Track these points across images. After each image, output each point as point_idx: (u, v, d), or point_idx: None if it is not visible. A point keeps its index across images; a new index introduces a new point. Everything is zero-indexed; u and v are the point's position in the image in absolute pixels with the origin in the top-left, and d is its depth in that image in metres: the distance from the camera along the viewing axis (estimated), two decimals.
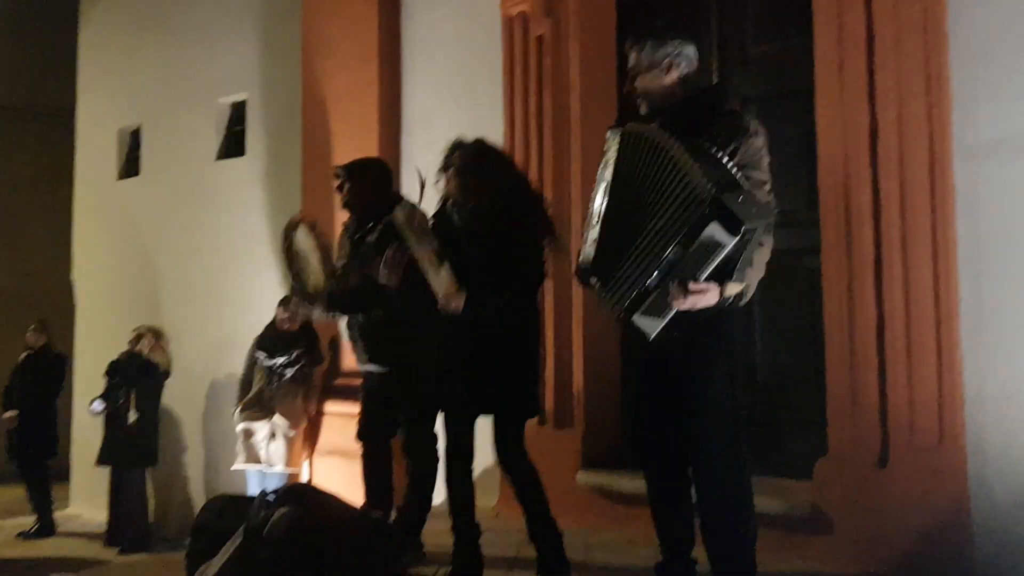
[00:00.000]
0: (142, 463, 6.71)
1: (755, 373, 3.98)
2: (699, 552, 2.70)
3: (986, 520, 3.12)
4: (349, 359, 5.57)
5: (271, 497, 3.05)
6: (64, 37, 8.90)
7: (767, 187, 2.49)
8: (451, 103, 5.25)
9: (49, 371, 7.43)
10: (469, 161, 3.26)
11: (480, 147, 3.34)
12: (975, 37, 3.23)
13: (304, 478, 5.67)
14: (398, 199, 4.04)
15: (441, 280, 3.05)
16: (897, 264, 3.35)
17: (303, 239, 3.98)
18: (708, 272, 2.27)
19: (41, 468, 7.33)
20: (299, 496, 3.00)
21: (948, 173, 3.24)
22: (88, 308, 8.42)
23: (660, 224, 2.33)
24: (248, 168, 6.94)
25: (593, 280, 2.59)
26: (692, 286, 2.27)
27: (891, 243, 3.37)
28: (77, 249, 8.60)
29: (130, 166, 8.19)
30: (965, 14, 3.27)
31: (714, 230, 2.20)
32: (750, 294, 2.48)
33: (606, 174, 2.53)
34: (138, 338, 6.73)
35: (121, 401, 6.60)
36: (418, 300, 3.88)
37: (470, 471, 3.32)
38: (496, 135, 4.79)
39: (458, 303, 3.03)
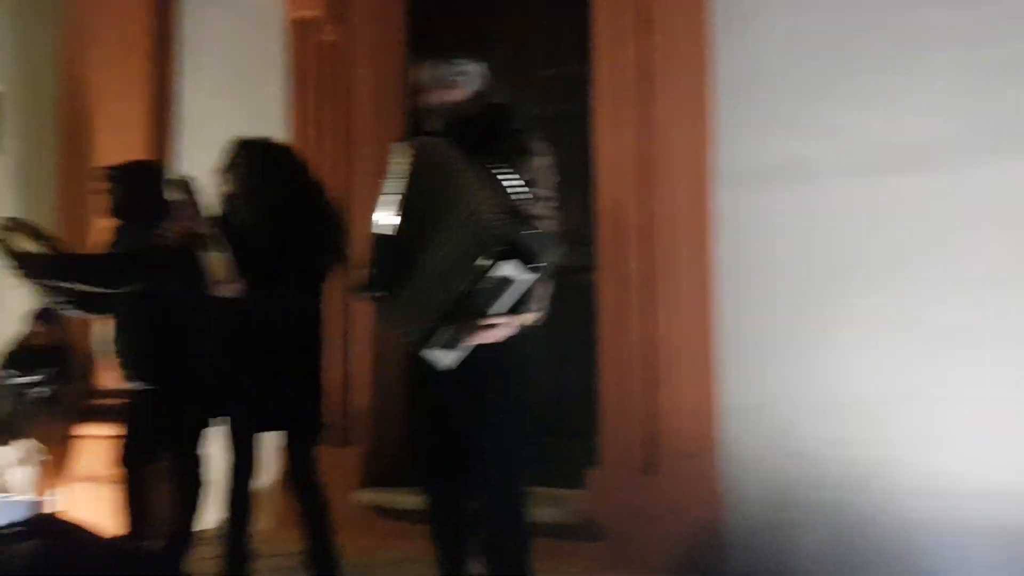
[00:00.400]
0: None
1: (535, 387, 4.06)
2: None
3: (740, 523, 3.35)
4: (107, 377, 5.17)
5: (15, 529, 2.75)
6: None
7: (552, 204, 2.50)
8: (231, 105, 5.01)
9: None
10: (256, 157, 3.13)
11: (268, 144, 3.27)
12: (738, 72, 3.48)
13: (55, 507, 5.18)
14: (166, 203, 3.80)
15: (218, 261, 2.94)
16: (665, 282, 3.55)
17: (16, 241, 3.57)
18: (500, 307, 2.24)
19: None
20: (44, 527, 2.72)
21: (711, 197, 3.47)
22: None
23: (451, 253, 2.28)
24: (2, 167, 6.31)
25: (377, 294, 2.53)
26: (483, 322, 2.24)
27: (660, 262, 3.56)
28: None
29: None
30: (728, 51, 3.52)
31: (505, 268, 2.16)
32: (538, 316, 2.50)
33: (395, 188, 2.49)
34: None
35: None
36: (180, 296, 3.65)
37: (250, 489, 3.15)
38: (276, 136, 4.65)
39: (234, 287, 2.90)
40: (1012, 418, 2.94)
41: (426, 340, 2.31)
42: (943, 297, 3.05)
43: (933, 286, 3.06)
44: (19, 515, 5.05)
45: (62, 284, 3.53)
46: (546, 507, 3.49)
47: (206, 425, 3.64)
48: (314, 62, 4.62)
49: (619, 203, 3.67)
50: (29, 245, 3.51)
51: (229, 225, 3.12)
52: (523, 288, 2.23)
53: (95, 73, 5.51)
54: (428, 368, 2.41)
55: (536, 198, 2.40)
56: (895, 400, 3.08)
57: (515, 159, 2.42)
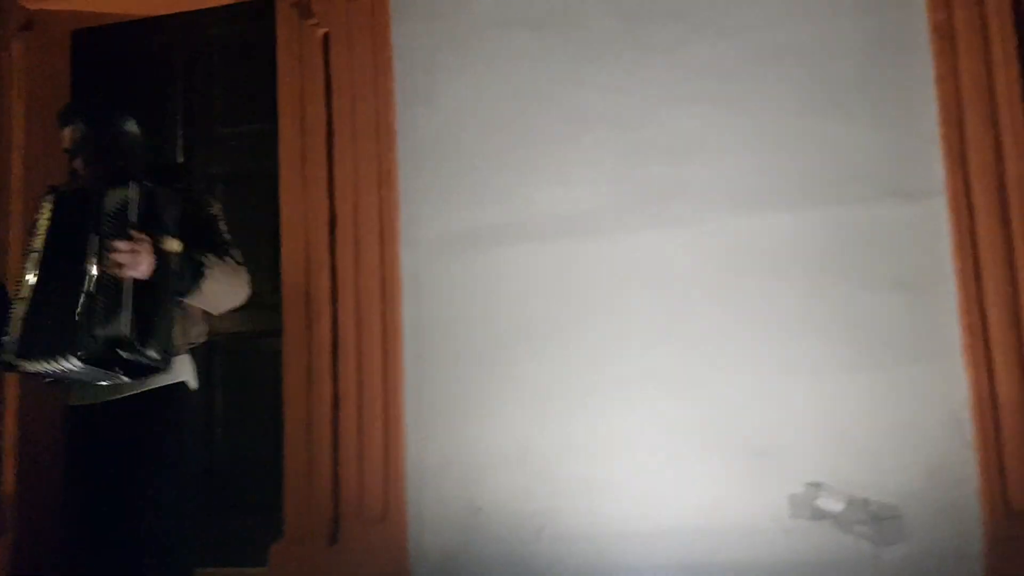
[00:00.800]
0: None
1: (212, 459, 3.84)
2: None
3: None
4: None
5: None
6: None
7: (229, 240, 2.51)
8: None
9: None
10: None
11: None
12: (420, 140, 3.60)
13: None
14: None
15: None
16: (351, 345, 3.53)
17: None
18: (132, 226, 2.22)
19: None
20: None
21: (396, 262, 3.53)
22: None
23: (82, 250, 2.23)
24: None
25: (21, 363, 2.28)
26: (123, 236, 2.19)
27: (346, 325, 3.54)
28: None
29: None
30: (412, 120, 3.63)
31: (112, 195, 2.23)
32: (214, 304, 2.45)
33: (35, 244, 2.31)
34: None
35: None
36: None
37: None
38: None
39: None
40: (667, 462, 3.21)
41: (92, 322, 2.18)
42: (605, 354, 3.31)
43: (595, 344, 3.32)
44: None
45: None
46: None
47: None
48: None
49: (306, 265, 3.62)
50: None
51: None
52: (143, 204, 2.24)
53: None
54: (85, 434, 2.34)
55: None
56: (563, 452, 3.27)
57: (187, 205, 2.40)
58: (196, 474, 2.48)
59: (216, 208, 2.52)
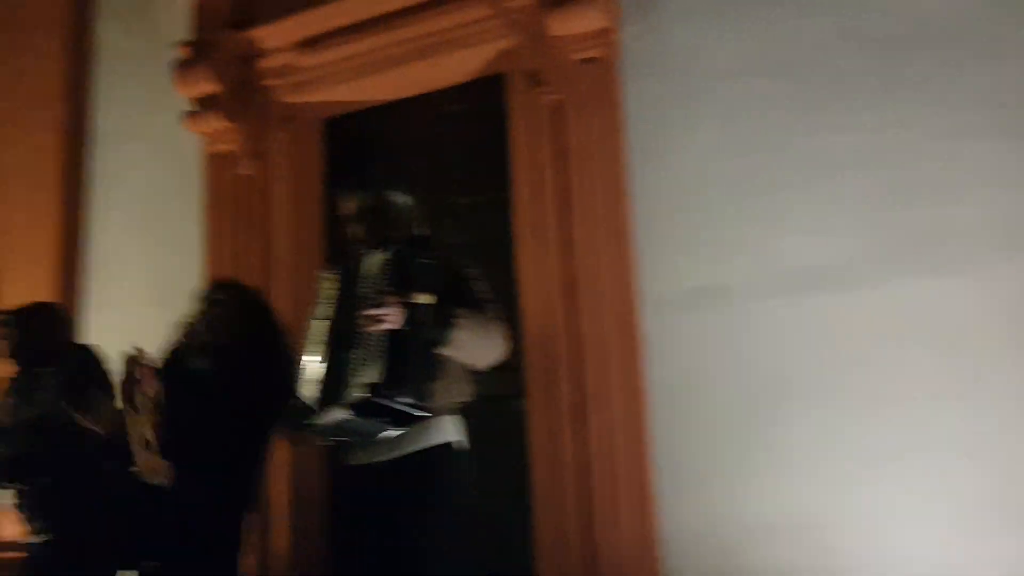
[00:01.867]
0: None
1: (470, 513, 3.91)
2: None
3: None
4: (7, 529, 4.80)
5: None
6: None
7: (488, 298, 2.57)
8: (145, 240, 4.89)
9: None
10: (234, 297, 3.08)
11: (239, 287, 3.23)
12: (655, 198, 3.54)
13: None
14: (77, 347, 3.61)
15: (141, 441, 2.69)
16: (595, 409, 3.48)
17: None
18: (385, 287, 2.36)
19: None
20: None
21: (635, 322, 3.47)
22: None
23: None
24: None
25: (313, 418, 2.44)
26: (374, 296, 2.32)
27: (591, 388, 3.51)
28: None
29: None
30: (644, 176, 3.59)
31: (366, 259, 2.42)
32: (469, 358, 2.49)
33: (322, 311, 2.48)
34: None
35: None
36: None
37: None
38: (193, 276, 4.52)
39: (162, 477, 2.70)
40: (960, 537, 2.90)
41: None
42: (874, 412, 3.06)
43: (864, 405, 3.08)
44: None
45: None
46: None
47: None
48: (231, 196, 4.55)
49: (546, 328, 3.64)
50: None
51: (181, 376, 2.92)
52: (395, 265, 2.40)
53: (2, 207, 5.32)
54: (357, 494, 2.45)
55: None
56: (839, 523, 3.03)
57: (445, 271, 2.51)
58: (466, 534, 2.49)
59: (473, 271, 2.60)
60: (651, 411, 3.41)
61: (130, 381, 2.69)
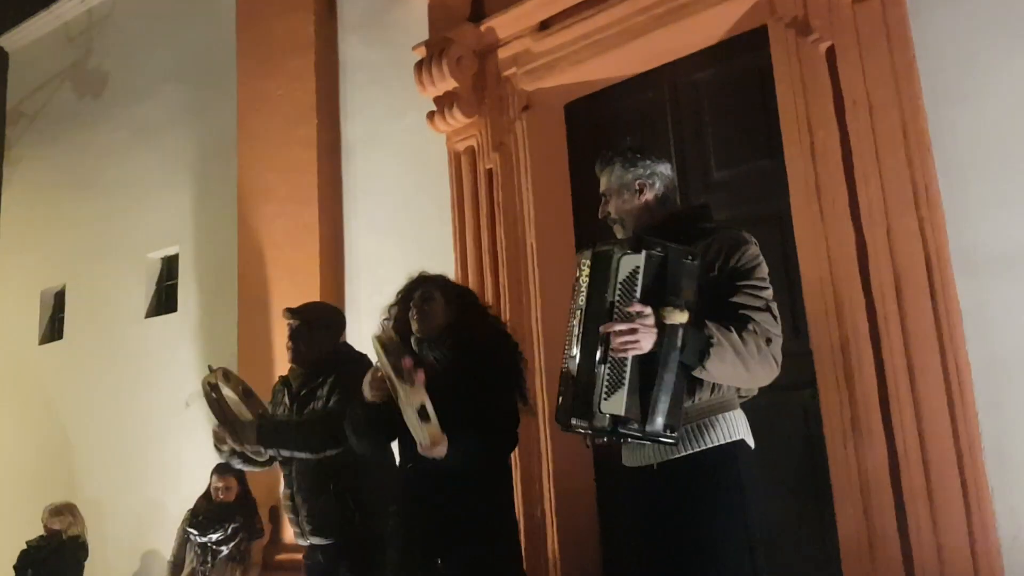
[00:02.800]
0: None
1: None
2: None
3: None
4: (292, 530, 5.03)
5: None
6: None
7: (768, 293, 2.22)
8: (398, 244, 4.96)
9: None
10: (448, 290, 2.96)
11: (449, 280, 3.10)
12: (961, 146, 3.03)
13: None
14: (352, 351, 3.63)
15: (417, 412, 2.59)
16: (905, 395, 3.03)
17: (225, 391, 3.47)
18: (636, 299, 2.09)
19: None
20: None
21: (952, 293, 2.97)
22: (1, 483, 7.66)
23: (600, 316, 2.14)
24: (180, 324, 6.47)
25: (573, 422, 2.20)
26: (624, 312, 2.06)
27: (895, 372, 3.05)
28: None
29: (53, 329, 7.66)
30: (947, 123, 3.08)
31: (621, 261, 2.10)
32: (723, 381, 2.18)
33: (579, 300, 2.23)
34: (54, 512, 6.01)
35: None
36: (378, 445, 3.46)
37: None
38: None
39: (442, 448, 2.60)
40: None
41: (594, 391, 2.10)
42: None
43: None
44: None
45: (261, 450, 3.39)
46: None
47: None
48: (478, 190, 4.48)
49: (835, 306, 3.21)
50: (229, 394, 3.41)
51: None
52: (655, 272, 2.09)
53: (269, 225, 5.61)
54: (637, 496, 2.25)
55: (746, 288, 2.20)
56: None
57: (721, 250, 2.23)
58: (753, 542, 2.18)
59: (748, 255, 2.24)
60: (973, 394, 2.90)
61: (396, 355, 2.61)
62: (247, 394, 3.49)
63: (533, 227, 4.25)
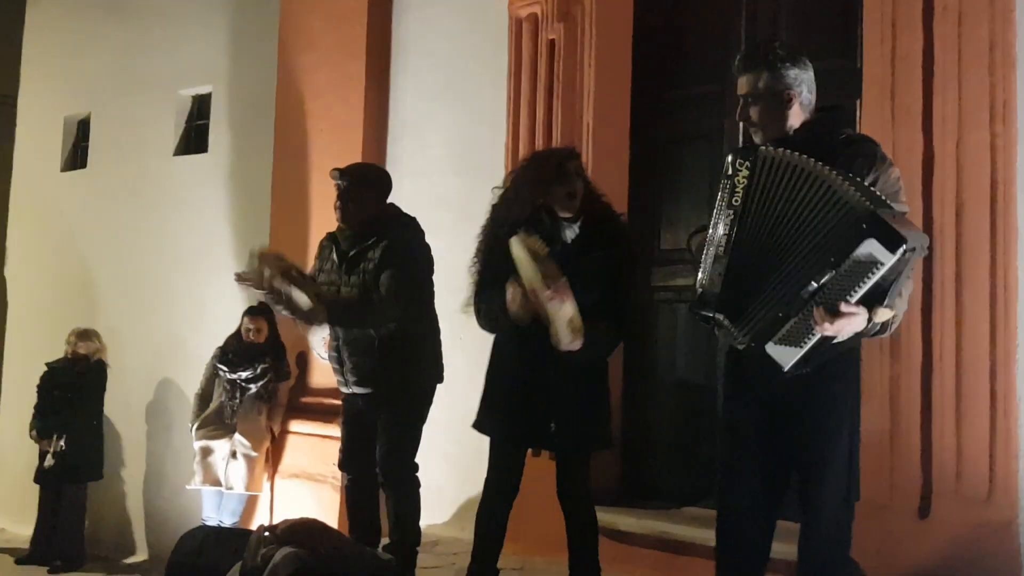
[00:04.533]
0: (85, 477, 6.14)
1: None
2: None
3: None
4: (318, 376, 5.20)
5: (269, 531, 2.68)
6: (8, 17, 8.28)
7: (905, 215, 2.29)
8: (446, 108, 4.94)
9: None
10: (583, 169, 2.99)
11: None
12: None
13: (265, 501, 5.24)
14: (400, 213, 3.70)
15: (567, 323, 2.67)
16: (949, 302, 3.15)
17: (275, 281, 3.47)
18: (860, 295, 2.08)
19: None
20: (304, 534, 2.63)
21: (1012, 210, 3.05)
22: (20, 309, 7.80)
23: (805, 251, 2.15)
24: (210, 166, 6.47)
25: (718, 316, 2.33)
26: (843, 307, 2.07)
27: (944, 282, 3.16)
28: (11, 245, 7.98)
29: (76, 157, 7.63)
30: None
31: (871, 247, 2.02)
32: (897, 324, 2.26)
33: (733, 201, 2.27)
34: (81, 336, 6.18)
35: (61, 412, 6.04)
36: (429, 319, 3.58)
37: (509, 510, 3.02)
38: (497, 145, 4.52)
39: (578, 343, 2.71)
40: None
41: (772, 335, 2.17)
42: None
43: None
44: (232, 507, 5.18)
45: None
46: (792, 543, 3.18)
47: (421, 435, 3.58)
48: (538, 61, 4.44)
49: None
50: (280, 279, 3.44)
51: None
52: (887, 275, 2.06)
53: (311, 74, 5.53)
54: (757, 371, 2.29)
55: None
56: None
57: (866, 167, 2.25)
58: (857, 429, 2.39)
59: (893, 176, 2.30)
60: (1019, 310, 3.03)
61: (548, 269, 2.65)
62: (298, 276, 3.50)
63: (592, 105, 4.25)
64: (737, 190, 2.26)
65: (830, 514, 2.32)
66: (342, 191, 3.59)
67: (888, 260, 2.02)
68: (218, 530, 3.41)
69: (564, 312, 2.64)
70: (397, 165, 5.07)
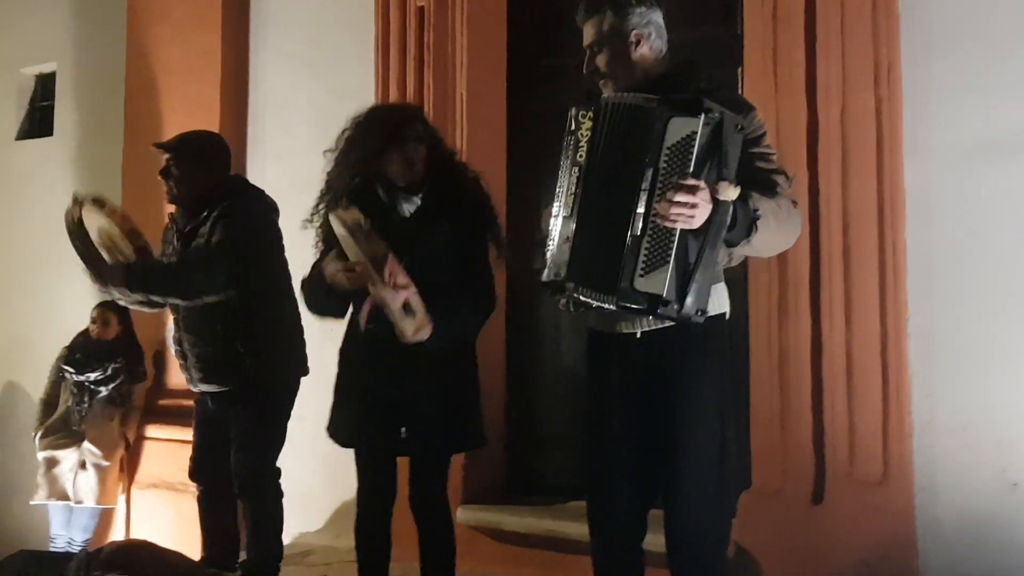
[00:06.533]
0: None
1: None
2: None
3: (935, 565, 2.80)
4: (176, 376, 4.75)
5: (91, 557, 2.31)
6: None
7: (774, 157, 2.12)
8: (310, 82, 4.58)
9: None
10: (429, 130, 2.64)
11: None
12: (928, 25, 2.93)
13: (120, 515, 4.78)
14: (242, 184, 3.34)
15: (401, 310, 2.34)
16: (837, 276, 3.01)
17: (97, 219, 3.13)
18: (692, 171, 1.88)
19: None
20: (131, 558, 2.27)
21: (899, 177, 2.93)
22: None
23: (631, 180, 1.94)
24: (56, 150, 5.93)
25: (570, 286, 2.08)
26: (679, 183, 1.85)
27: (831, 253, 3.03)
28: None
29: None
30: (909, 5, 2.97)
31: (675, 125, 1.88)
32: (762, 253, 2.16)
33: (578, 157, 2.06)
34: None
35: None
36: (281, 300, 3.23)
37: (390, 517, 2.70)
38: None
39: (425, 333, 2.38)
40: None
41: (632, 274, 1.92)
42: None
43: None
44: (83, 522, 4.70)
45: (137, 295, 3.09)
46: None
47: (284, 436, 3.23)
48: (407, 30, 4.13)
49: None
50: (103, 223, 3.07)
51: (387, 223, 2.55)
52: (704, 142, 1.87)
53: (163, 48, 5.09)
54: (616, 356, 2.13)
55: (762, 156, 2.09)
56: None
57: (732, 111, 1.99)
58: (732, 413, 2.17)
59: (756, 120, 2.10)
60: (908, 283, 2.91)
61: (371, 245, 2.31)
62: (131, 231, 3.16)
63: (465, 76, 3.97)
64: (581, 144, 2.05)
65: (695, 514, 2.08)
66: (164, 168, 3.21)
67: (697, 126, 1.86)
68: (41, 554, 3.01)
69: (397, 298, 2.33)
70: (259, 146, 4.73)
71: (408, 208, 2.59)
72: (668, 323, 2.03)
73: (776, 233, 2.03)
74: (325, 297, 2.54)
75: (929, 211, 2.90)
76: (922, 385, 2.88)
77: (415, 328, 2.34)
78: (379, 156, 2.54)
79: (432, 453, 2.65)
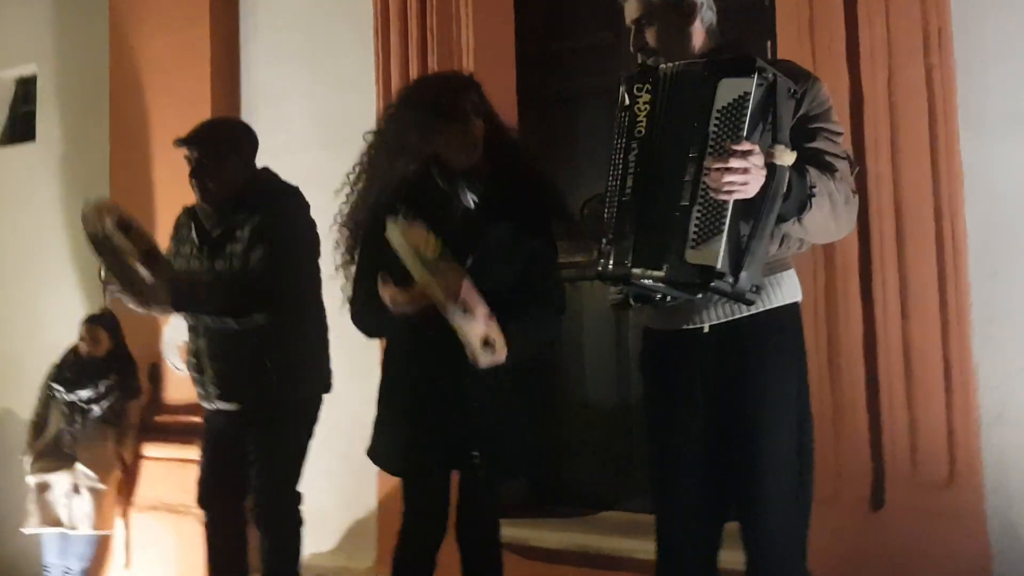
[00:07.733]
0: None
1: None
2: None
3: (1012, 573, 2.57)
4: (174, 389, 4.54)
5: None
6: None
7: (842, 138, 1.94)
8: (306, 74, 4.35)
9: None
10: (486, 103, 2.30)
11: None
12: None
13: (119, 541, 4.53)
14: (275, 180, 3.07)
15: (481, 341, 2.06)
16: (891, 261, 2.78)
17: (113, 233, 2.80)
18: (744, 134, 1.71)
19: None
20: None
21: (955, 152, 2.70)
22: None
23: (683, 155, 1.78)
24: (39, 155, 5.69)
25: (638, 271, 1.86)
26: (733, 147, 1.68)
27: (882, 235, 2.79)
28: None
29: None
30: None
31: (727, 87, 1.74)
32: (812, 237, 1.94)
33: (636, 132, 1.86)
34: None
35: None
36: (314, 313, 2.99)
37: (440, 546, 2.38)
38: (366, 113, 3.94)
39: (501, 358, 2.11)
40: None
41: (684, 241, 1.75)
42: None
43: None
44: (80, 551, 4.45)
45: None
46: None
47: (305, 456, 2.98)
48: (408, 13, 3.89)
49: None
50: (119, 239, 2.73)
51: (448, 218, 2.26)
52: (757, 102, 1.72)
53: (148, 45, 4.86)
54: (679, 356, 1.95)
55: (825, 131, 1.92)
56: None
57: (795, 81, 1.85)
58: (809, 413, 1.96)
59: (822, 94, 1.92)
60: (969, 265, 2.67)
61: (449, 274, 2.03)
62: (141, 240, 2.84)
63: (471, 62, 3.73)
64: (639, 119, 1.85)
65: (776, 527, 1.90)
66: (195, 165, 2.93)
67: (750, 86, 1.72)
68: None
69: (475, 330, 2.04)
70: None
71: (471, 197, 2.26)
72: (738, 314, 1.86)
73: (830, 217, 1.85)
74: (388, 323, 2.24)
75: (989, 187, 2.67)
76: (988, 376, 2.64)
77: (492, 360, 2.08)
78: (435, 135, 2.22)
79: (498, 479, 2.37)
